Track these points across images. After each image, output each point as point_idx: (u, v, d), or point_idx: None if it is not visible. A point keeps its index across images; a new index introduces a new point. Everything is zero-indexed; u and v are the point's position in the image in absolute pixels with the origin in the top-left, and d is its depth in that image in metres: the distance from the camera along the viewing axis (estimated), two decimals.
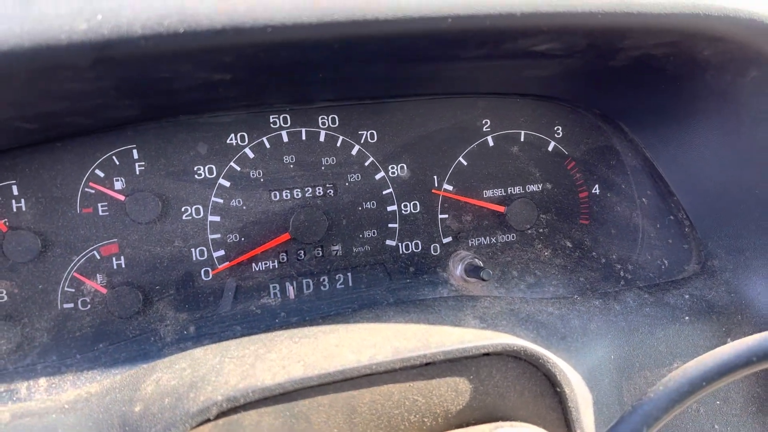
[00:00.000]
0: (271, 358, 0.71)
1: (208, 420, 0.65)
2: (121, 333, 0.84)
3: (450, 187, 1.00)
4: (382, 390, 0.73)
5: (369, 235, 0.96)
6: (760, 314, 0.85)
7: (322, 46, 0.61)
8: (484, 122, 1.01)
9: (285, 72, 0.72)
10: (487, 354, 0.75)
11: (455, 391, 0.75)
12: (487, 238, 1.01)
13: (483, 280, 0.87)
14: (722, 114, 0.85)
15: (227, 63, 0.64)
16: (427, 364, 0.74)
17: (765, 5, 0.72)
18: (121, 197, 0.86)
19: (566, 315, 0.83)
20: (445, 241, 1.00)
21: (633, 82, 0.90)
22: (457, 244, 1.00)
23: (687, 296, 0.88)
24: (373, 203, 0.96)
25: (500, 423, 0.72)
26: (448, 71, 0.89)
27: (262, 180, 0.92)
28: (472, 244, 1.00)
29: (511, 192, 1.02)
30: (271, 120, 0.92)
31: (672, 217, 0.98)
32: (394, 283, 0.94)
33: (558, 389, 0.76)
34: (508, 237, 1.01)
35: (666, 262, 0.96)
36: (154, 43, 0.56)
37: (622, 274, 0.95)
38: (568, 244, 0.98)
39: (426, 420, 0.75)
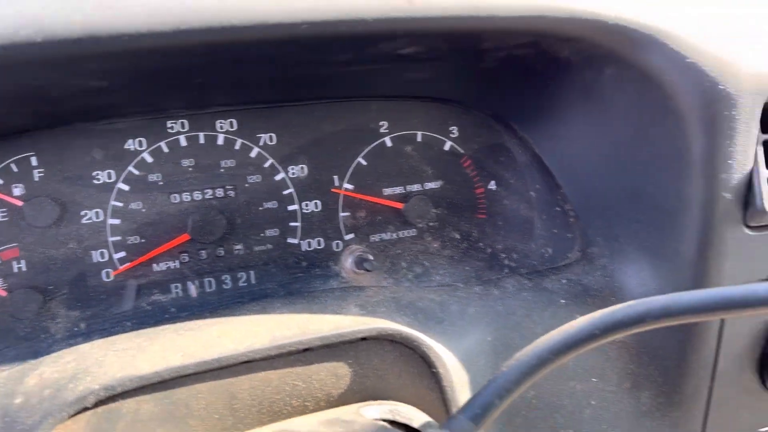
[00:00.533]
0: (153, 349, 0.75)
1: (87, 409, 0.69)
2: (12, 332, 0.86)
3: (350, 186, 1.05)
4: (261, 377, 0.76)
5: (271, 233, 1.00)
6: (630, 295, 0.91)
7: (179, 53, 0.66)
8: (381, 124, 1.06)
9: (158, 78, 0.76)
10: (365, 338, 0.80)
11: (335, 375, 0.79)
12: (388, 233, 1.05)
13: (367, 270, 0.92)
14: (589, 109, 0.92)
15: (96, 70, 0.68)
16: (305, 350, 0.78)
17: (609, 6, 0.78)
18: (19, 203, 0.89)
19: (446, 301, 0.88)
20: (346, 237, 1.04)
21: (512, 83, 0.96)
22: (358, 241, 1.04)
23: (564, 281, 0.94)
24: (273, 203, 1.00)
25: (367, 402, 0.76)
26: (338, 75, 0.94)
27: (161, 183, 0.95)
28: (373, 240, 1.05)
29: (409, 189, 1.07)
30: (169, 125, 0.95)
31: (558, 209, 1.04)
32: (286, 278, 0.98)
33: (434, 370, 0.81)
34: (407, 232, 1.06)
35: (550, 250, 1.01)
36: (12, 53, 0.59)
37: (506, 262, 1.01)
38: (457, 236, 1.03)
39: (308, 404, 0.79)
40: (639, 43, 0.78)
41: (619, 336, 0.68)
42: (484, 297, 0.90)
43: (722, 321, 0.89)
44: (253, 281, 0.99)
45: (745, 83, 0.79)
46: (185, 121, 0.96)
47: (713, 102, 0.79)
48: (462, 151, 1.10)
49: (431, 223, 1.04)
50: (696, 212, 0.84)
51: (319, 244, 1.03)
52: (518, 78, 0.92)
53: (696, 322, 0.89)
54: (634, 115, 0.86)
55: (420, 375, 0.82)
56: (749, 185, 0.83)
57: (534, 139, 1.05)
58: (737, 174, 0.82)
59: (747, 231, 0.85)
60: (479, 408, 0.66)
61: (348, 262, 0.97)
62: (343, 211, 1.04)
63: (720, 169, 0.81)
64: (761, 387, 0.94)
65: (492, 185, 1.11)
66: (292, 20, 0.65)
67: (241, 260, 0.99)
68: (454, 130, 1.09)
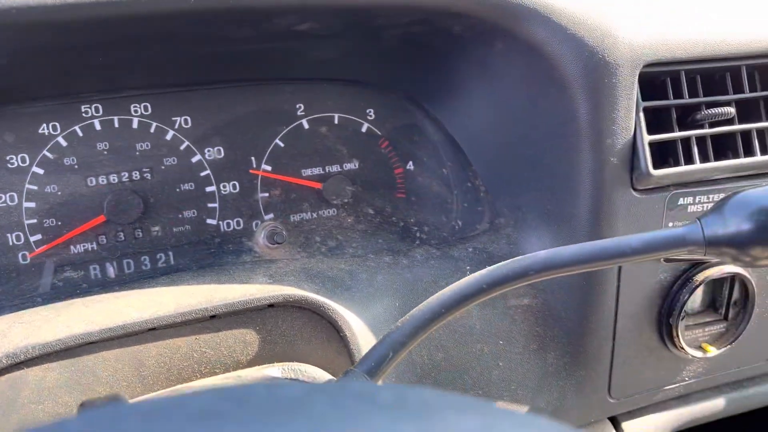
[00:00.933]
0: (59, 320, 0.76)
1: None
2: None
3: (269, 167, 1.07)
4: (168, 344, 0.79)
5: (189, 215, 1.02)
6: None
7: (68, 30, 0.68)
8: (298, 106, 1.09)
9: (61, 59, 0.78)
10: (272, 305, 0.83)
11: (243, 342, 0.82)
12: (307, 213, 1.08)
13: (279, 243, 0.95)
14: (486, 84, 0.96)
15: None
16: (212, 317, 0.80)
17: None
18: None
19: (355, 270, 0.91)
20: (267, 217, 1.07)
21: (415, 61, 1.00)
22: (277, 220, 1.07)
23: (471, 249, 0.98)
24: (190, 185, 1.02)
25: (272, 364, 0.79)
26: (247, 56, 0.96)
27: (76, 167, 0.97)
28: (293, 220, 1.08)
29: (328, 170, 1.10)
30: (83, 109, 0.97)
31: (469, 184, 1.08)
32: (199, 254, 1.00)
33: (341, 334, 0.84)
34: (327, 212, 1.09)
35: (460, 222, 1.06)
36: None
37: (418, 235, 1.05)
38: (371, 211, 1.06)
39: (216, 370, 0.81)
40: (523, 16, 0.83)
41: (507, 289, 0.73)
42: (393, 266, 0.94)
43: (618, 282, 0.95)
44: (172, 262, 1.01)
45: (622, 52, 0.84)
46: (99, 105, 0.98)
47: (594, 71, 0.84)
48: (379, 133, 1.13)
49: (347, 200, 1.07)
50: (587, 178, 0.89)
51: (237, 225, 1.05)
52: (419, 56, 0.96)
53: (593, 282, 0.94)
54: (525, 87, 0.91)
55: (328, 339, 0.85)
56: (633, 150, 0.88)
57: (444, 119, 1.10)
58: (621, 140, 0.87)
59: (634, 193, 0.90)
60: (374, 361, 0.70)
61: (261, 237, 0.99)
62: (261, 192, 1.07)
63: (605, 135, 0.86)
64: (661, 344, 1.00)
65: (410, 165, 1.14)
66: None
67: (160, 241, 1.01)
68: (371, 112, 1.13)
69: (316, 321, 0.84)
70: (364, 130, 1.13)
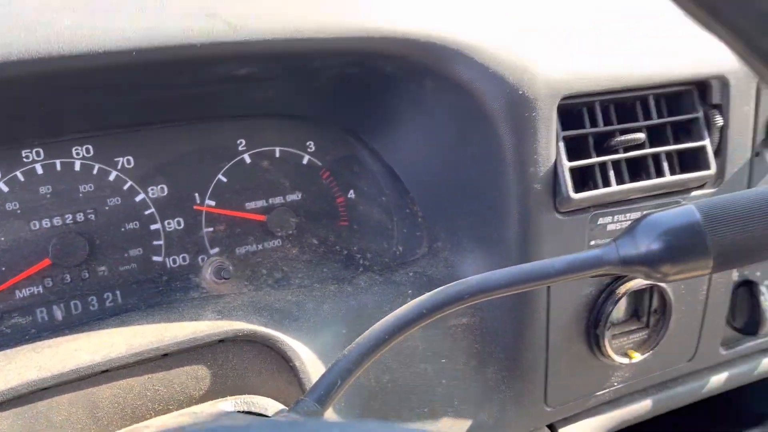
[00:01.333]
0: (9, 367, 0.77)
1: None
2: None
3: (212, 203, 1.10)
4: (122, 384, 0.80)
5: (134, 253, 1.04)
6: None
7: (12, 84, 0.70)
8: (239, 142, 1.12)
9: (3, 108, 0.79)
10: (222, 341, 0.86)
11: (195, 378, 0.84)
12: (252, 245, 1.11)
13: (225, 278, 0.98)
14: (419, 118, 1.02)
15: None
16: (164, 356, 0.83)
17: (420, 26, 0.89)
18: None
19: (302, 301, 0.95)
20: (213, 252, 1.09)
21: (352, 98, 1.05)
22: (223, 254, 1.10)
23: (411, 274, 1.04)
24: (135, 223, 1.04)
25: (225, 398, 0.82)
26: (187, 98, 0.99)
27: (19, 212, 0.97)
28: (239, 253, 1.10)
29: (272, 202, 1.14)
30: (24, 154, 0.97)
31: (408, 210, 1.14)
32: (147, 293, 1.02)
33: (291, 364, 0.87)
34: (270, 243, 1.12)
35: (401, 248, 1.11)
36: None
37: (361, 262, 1.09)
38: (315, 241, 1.11)
39: (170, 407, 0.83)
40: (448, 57, 0.89)
41: (445, 313, 0.78)
42: (339, 294, 0.98)
43: (549, 298, 1.02)
44: (120, 301, 1.02)
45: (541, 87, 0.92)
46: (40, 150, 0.98)
47: (516, 105, 0.91)
48: (320, 164, 1.18)
49: (291, 232, 1.11)
50: (513, 203, 0.96)
51: (184, 261, 1.07)
52: (355, 93, 1.01)
53: (525, 299, 1.00)
54: (454, 121, 0.98)
55: (279, 370, 0.88)
56: (555, 176, 0.95)
57: (382, 150, 1.15)
58: (543, 167, 0.94)
59: (558, 216, 0.97)
60: (323, 389, 0.74)
61: (207, 272, 1.02)
62: (206, 227, 1.09)
63: (528, 163, 0.93)
64: (590, 354, 1.07)
65: (351, 194, 1.19)
66: (121, 48, 0.71)
67: (107, 281, 1.02)
68: (311, 145, 1.17)
69: (266, 353, 0.87)
70: (305, 162, 1.17)
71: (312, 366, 0.88)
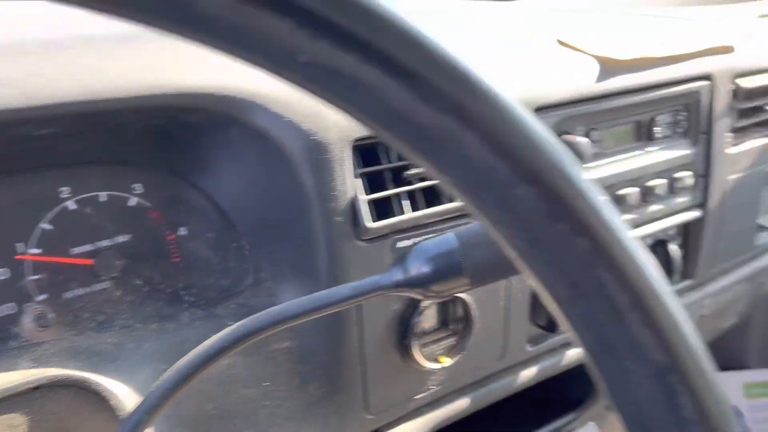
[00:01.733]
0: None
1: None
2: None
3: (38, 251, 1.12)
4: None
5: None
6: None
7: None
8: (61, 190, 1.15)
9: None
10: (36, 388, 0.90)
11: (10, 426, 0.87)
12: (79, 290, 1.15)
13: (44, 326, 1.02)
14: (232, 161, 1.11)
15: None
16: None
17: (216, 79, 0.97)
18: None
19: (122, 341, 1.00)
20: (39, 298, 1.12)
21: (165, 146, 1.12)
22: (51, 300, 1.12)
23: (234, 306, 1.11)
24: None
25: None
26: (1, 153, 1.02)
27: None
28: (66, 298, 1.13)
29: (99, 246, 1.18)
30: None
31: (235, 244, 1.21)
32: None
33: (108, 403, 0.92)
34: (98, 286, 1.16)
35: (227, 281, 1.19)
36: None
37: (186, 298, 1.16)
38: (139, 281, 1.16)
39: None
40: (245, 107, 0.98)
41: (247, 344, 0.86)
42: (160, 332, 1.04)
43: (360, 317, 1.13)
44: None
45: (333, 132, 1.03)
46: None
47: (312, 149, 1.02)
48: (148, 204, 1.23)
49: (116, 274, 1.15)
50: (320, 235, 1.06)
51: (10, 310, 1.09)
52: (168, 142, 1.08)
53: (337, 319, 1.11)
54: (263, 165, 1.07)
55: (97, 410, 0.93)
56: (354, 209, 1.07)
57: (207, 188, 1.22)
58: (343, 201, 1.05)
59: (360, 244, 1.09)
60: (132, 426, 0.80)
61: (27, 321, 1.05)
62: (33, 275, 1.12)
63: (329, 199, 1.04)
64: (403, 363, 1.19)
65: (182, 231, 1.25)
66: None
67: None
68: (138, 187, 1.22)
69: (83, 396, 0.92)
70: (132, 204, 1.21)
71: (131, 403, 0.93)
